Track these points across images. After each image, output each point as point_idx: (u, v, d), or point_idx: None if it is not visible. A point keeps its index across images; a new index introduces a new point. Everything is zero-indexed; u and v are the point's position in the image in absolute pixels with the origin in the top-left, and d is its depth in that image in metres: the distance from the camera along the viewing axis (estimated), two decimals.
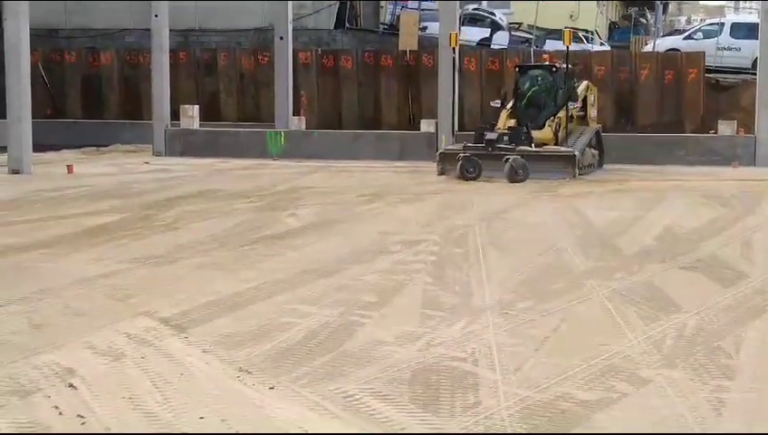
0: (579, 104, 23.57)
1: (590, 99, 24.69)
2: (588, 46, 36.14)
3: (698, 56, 31.45)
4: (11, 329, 8.27)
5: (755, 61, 27.89)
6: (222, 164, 25.61)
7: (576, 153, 21.80)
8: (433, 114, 26.18)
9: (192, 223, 14.79)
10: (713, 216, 15.85)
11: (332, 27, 35.58)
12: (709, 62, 31.91)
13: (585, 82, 24.84)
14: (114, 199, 17.74)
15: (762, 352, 7.79)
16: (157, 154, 28.22)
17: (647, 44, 37.56)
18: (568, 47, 23.72)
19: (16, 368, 7.11)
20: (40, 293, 9.66)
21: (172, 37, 30.12)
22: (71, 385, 6.72)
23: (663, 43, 35.63)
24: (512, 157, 21.15)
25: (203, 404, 6.34)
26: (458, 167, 21.43)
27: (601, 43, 38.97)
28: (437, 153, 22.78)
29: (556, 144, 22.42)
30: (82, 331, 8.19)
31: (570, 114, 23.09)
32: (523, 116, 23.00)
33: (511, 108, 23.28)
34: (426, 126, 27.22)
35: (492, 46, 35.48)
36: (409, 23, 34.28)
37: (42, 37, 33.31)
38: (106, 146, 30.82)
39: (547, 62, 24.39)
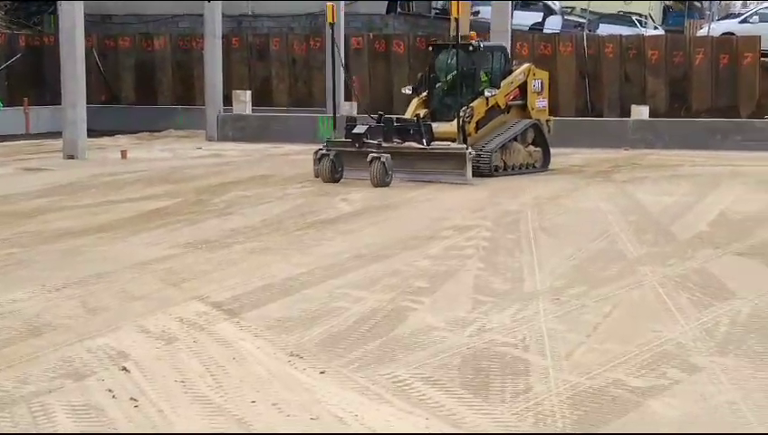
0: (496, 91, 19.62)
1: (534, 86, 20.64)
2: (641, 30, 35.76)
3: (754, 40, 31.06)
4: (67, 313, 8.39)
5: None
6: (274, 149, 25.75)
7: (469, 151, 17.95)
8: None
9: (245, 208, 14.89)
10: None
11: (384, 12, 35.52)
12: (765, 46, 31.44)
13: (526, 65, 21.12)
14: (168, 184, 17.90)
15: None
16: (209, 139, 28.48)
17: (701, 28, 37.05)
18: (457, 19, 18.60)
19: (72, 351, 7.21)
20: (95, 276, 9.79)
21: (225, 23, 30.33)
22: (124, 368, 6.80)
23: (718, 27, 35.14)
24: (382, 156, 17.62)
25: (254, 388, 6.39)
26: (322, 166, 18.23)
27: (655, 27, 38.53)
28: (314, 152, 18.87)
29: (465, 140, 18.50)
30: (136, 314, 8.29)
31: (490, 104, 19.62)
32: (437, 104, 19.86)
33: (426, 95, 20.06)
34: None
35: (544, 31, 35.21)
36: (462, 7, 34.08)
37: (96, 23, 33.67)
38: (159, 131, 31.16)
39: (474, 41, 19.92)
